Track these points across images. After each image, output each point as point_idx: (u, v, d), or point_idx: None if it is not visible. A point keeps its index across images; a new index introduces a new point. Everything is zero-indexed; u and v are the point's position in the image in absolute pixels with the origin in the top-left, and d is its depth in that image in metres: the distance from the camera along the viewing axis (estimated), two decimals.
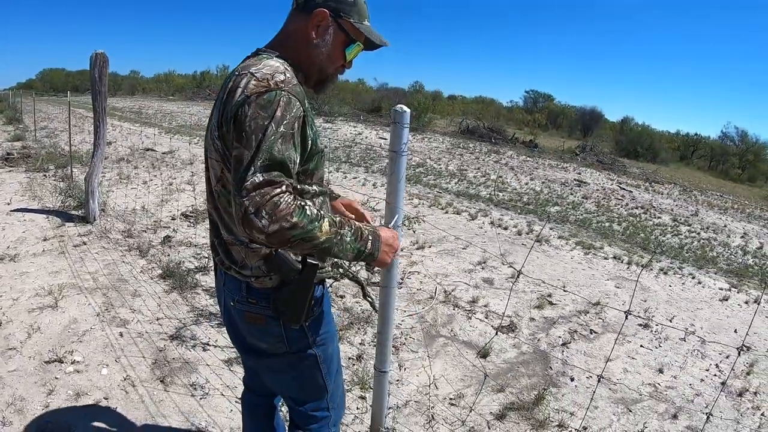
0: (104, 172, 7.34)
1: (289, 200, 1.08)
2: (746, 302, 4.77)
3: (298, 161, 1.17)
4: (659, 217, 9.74)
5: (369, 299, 1.63)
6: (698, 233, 8.74)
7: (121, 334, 2.99)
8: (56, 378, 2.53)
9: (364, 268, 1.49)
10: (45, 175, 7.28)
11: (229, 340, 1.55)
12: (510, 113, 40.66)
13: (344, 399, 1.66)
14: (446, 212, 7.29)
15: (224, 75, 30.50)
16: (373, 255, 1.27)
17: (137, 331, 3.04)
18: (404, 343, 3.19)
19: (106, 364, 2.69)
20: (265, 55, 1.25)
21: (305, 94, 1.24)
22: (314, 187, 1.32)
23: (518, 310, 3.89)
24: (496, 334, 3.35)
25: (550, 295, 4.23)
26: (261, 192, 1.06)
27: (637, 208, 10.55)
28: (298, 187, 1.23)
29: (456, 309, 3.79)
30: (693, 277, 5.42)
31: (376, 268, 1.46)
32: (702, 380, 3.17)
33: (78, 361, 2.69)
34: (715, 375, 3.26)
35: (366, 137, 16.62)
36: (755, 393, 3.07)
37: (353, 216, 1.53)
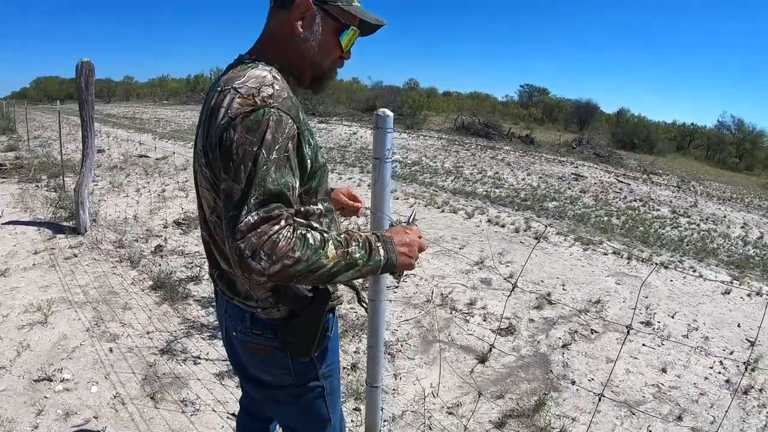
0: (96, 180, 7.27)
1: (288, 234, 0.97)
2: (748, 295, 4.71)
3: (297, 185, 1.05)
4: (658, 210, 9.68)
5: (364, 305, 1.53)
6: (698, 225, 8.68)
7: (110, 350, 2.93)
8: (45, 397, 2.47)
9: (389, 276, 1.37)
10: (37, 186, 7.21)
11: (222, 352, 1.47)
12: (505, 108, 40.70)
13: (344, 428, 1.59)
14: (442, 211, 7.22)
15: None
16: (390, 262, 1.13)
17: (127, 345, 2.97)
18: (400, 351, 3.13)
19: (96, 381, 2.63)
20: (249, 64, 1.11)
21: (299, 106, 1.10)
22: (319, 206, 1.20)
23: (517, 311, 3.82)
24: (495, 339, 3.28)
25: (549, 295, 4.16)
26: (257, 232, 0.94)
27: (635, 200, 10.49)
28: (302, 209, 1.13)
29: (453, 312, 3.72)
30: (694, 270, 5.36)
31: (405, 272, 1.32)
32: (706, 378, 3.11)
33: (67, 379, 2.63)
34: (720, 372, 3.20)
35: (361, 137, 16.53)
36: (761, 390, 3.01)
37: (359, 204, 1.50)
